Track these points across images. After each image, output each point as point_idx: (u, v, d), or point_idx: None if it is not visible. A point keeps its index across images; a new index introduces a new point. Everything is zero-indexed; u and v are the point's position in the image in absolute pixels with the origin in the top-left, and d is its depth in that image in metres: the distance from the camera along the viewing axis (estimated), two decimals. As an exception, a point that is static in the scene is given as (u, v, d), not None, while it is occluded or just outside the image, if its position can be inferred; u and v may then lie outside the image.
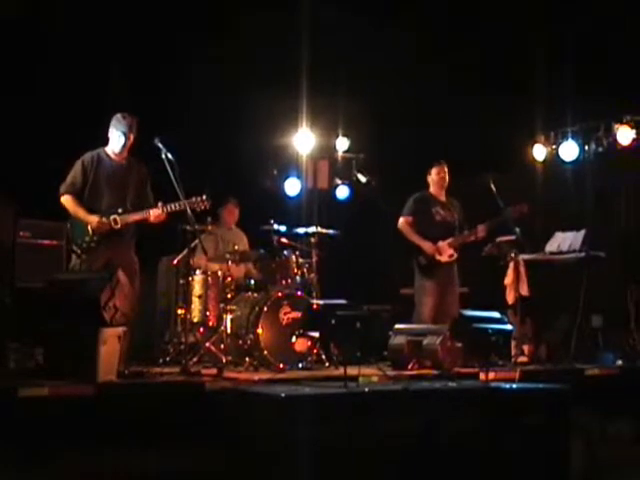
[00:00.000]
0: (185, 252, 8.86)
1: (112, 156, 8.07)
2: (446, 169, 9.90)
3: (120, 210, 7.92)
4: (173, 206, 8.01)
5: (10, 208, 8.62)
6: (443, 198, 9.92)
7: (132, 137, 8.02)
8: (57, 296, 7.22)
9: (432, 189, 9.97)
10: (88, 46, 9.63)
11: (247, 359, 8.66)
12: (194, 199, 8.17)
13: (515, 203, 9.61)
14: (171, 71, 10.24)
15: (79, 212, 7.87)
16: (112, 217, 7.88)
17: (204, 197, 8.24)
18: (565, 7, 10.37)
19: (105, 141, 8.08)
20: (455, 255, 9.62)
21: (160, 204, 7.99)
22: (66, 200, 7.92)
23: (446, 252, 9.58)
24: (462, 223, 9.82)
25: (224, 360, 8.56)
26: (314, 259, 9.76)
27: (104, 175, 7.98)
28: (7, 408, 6.14)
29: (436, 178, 9.90)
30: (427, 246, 9.60)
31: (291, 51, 10.40)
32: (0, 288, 7.65)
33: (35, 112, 9.44)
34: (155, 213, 7.97)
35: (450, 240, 9.60)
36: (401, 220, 9.89)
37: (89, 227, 7.83)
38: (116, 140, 8.01)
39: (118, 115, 8.03)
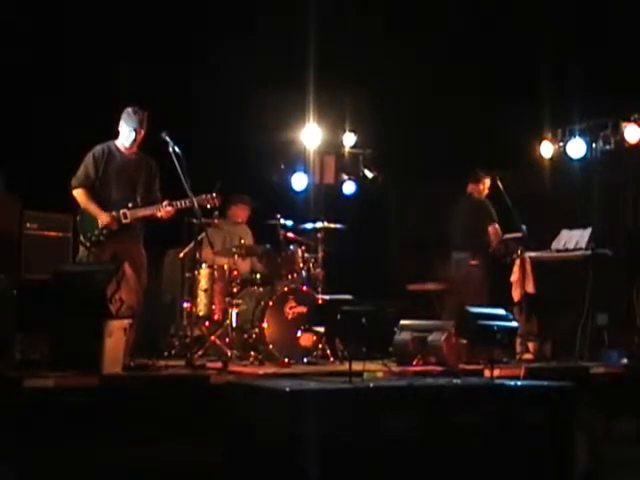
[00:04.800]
0: (191, 245, 8.88)
1: (122, 150, 8.08)
2: None
3: (130, 205, 7.95)
4: (183, 203, 8.02)
5: (17, 200, 8.64)
6: None
7: (143, 132, 8.04)
8: (63, 288, 7.23)
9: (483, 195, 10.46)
10: (97, 39, 9.66)
11: (252, 353, 8.67)
12: (204, 196, 8.20)
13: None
14: (179, 66, 10.24)
15: (90, 206, 7.90)
16: (122, 211, 7.90)
17: (214, 195, 8.26)
18: (572, 4, 10.36)
19: (113, 134, 8.08)
20: None
21: (166, 202, 8.00)
22: (78, 193, 7.94)
23: None
24: None
25: (229, 354, 8.58)
26: (320, 254, 9.76)
27: (114, 169, 8.00)
28: (13, 399, 6.15)
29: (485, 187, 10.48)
30: None
31: (299, 47, 10.40)
32: (6, 279, 7.64)
33: (42, 105, 9.46)
34: (165, 209, 7.98)
35: None
36: (493, 227, 10.30)
37: (99, 221, 7.85)
38: (127, 135, 8.03)
39: (129, 109, 8.04)
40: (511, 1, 10.52)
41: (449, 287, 10.67)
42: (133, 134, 8.01)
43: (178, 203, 8.02)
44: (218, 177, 8.45)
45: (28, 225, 8.94)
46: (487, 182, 10.51)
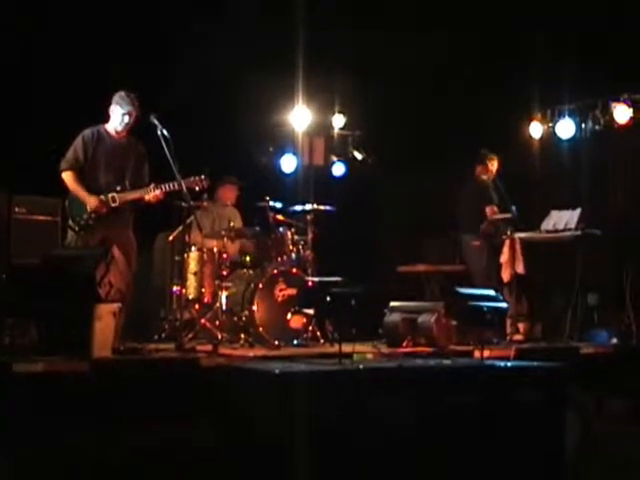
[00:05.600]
0: (180, 228, 8.86)
1: (112, 134, 8.05)
2: None
3: (119, 188, 7.93)
4: (171, 185, 8.00)
5: (5, 184, 8.59)
6: None
7: (134, 115, 8.00)
8: (52, 272, 7.22)
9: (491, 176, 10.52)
10: (83, 22, 9.59)
11: (242, 336, 8.68)
12: (192, 179, 8.18)
13: None
14: (167, 49, 10.19)
15: (79, 190, 7.87)
16: (110, 195, 7.88)
17: (202, 177, 8.25)
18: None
19: (103, 118, 8.05)
20: None
21: (153, 185, 7.98)
22: (67, 176, 7.91)
23: None
24: None
25: (219, 337, 8.58)
26: (309, 236, 9.77)
27: (103, 152, 7.97)
28: (1, 384, 6.14)
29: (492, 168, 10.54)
30: None
31: (287, 29, 10.35)
32: (-5, 264, 7.63)
33: (28, 88, 9.41)
34: (154, 193, 7.95)
35: None
36: (490, 208, 10.32)
37: (88, 205, 7.82)
38: (119, 118, 7.99)
39: (122, 93, 8.00)
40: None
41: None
42: (126, 117, 7.97)
43: (166, 186, 7.99)
44: (207, 159, 8.44)
45: (17, 209, 8.88)
46: (494, 162, 10.49)
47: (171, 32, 10.14)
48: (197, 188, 8.30)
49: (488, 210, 10.20)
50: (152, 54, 10.08)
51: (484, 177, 10.46)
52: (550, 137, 11.90)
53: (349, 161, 12.70)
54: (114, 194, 7.89)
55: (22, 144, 9.16)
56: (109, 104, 8.02)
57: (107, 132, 8.05)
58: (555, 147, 11.87)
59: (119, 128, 8.03)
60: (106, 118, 8.06)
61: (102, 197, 7.85)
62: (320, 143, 12.70)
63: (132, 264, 7.89)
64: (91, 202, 7.82)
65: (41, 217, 9.05)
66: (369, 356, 7.65)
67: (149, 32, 10.01)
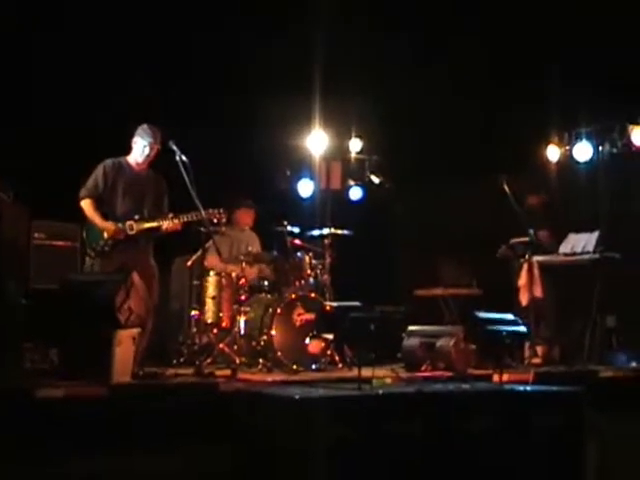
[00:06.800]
0: (199, 253, 8.88)
1: (133, 165, 8.14)
2: None
3: (137, 217, 7.98)
4: (189, 216, 8.05)
5: (25, 209, 8.65)
6: None
7: (156, 148, 8.07)
8: (72, 297, 7.25)
9: None
10: (102, 49, 9.66)
11: (260, 360, 8.68)
12: (211, 210, 8.22)
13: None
14: (185, 73, 10.26)
15: (95, 218, 7.93)
16: (128, 223, 7.94)
17: (221, 210, 8.30)
18: (578, 8, 10.36)
19: (124, 149, 8.11)
20: None
21: (172, 215, 8.04)
22: (85, 204, 7.98)
23: None
24: None
25: (237, 361, 8.59)
26: (327, 260, 9.77)
27: (123, 182, 8.05)
28: (23, 409, 6.17)
29: None
30: None
31: (305, 52, 10.41)
32: (15, 289, 7.66)
33: (50, 113, 9.48)
34: (172, 222, 8.01)
35: None
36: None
37: (104, 232, 7.87)
38: (140, 150, 8.08)
39: (145, 126, 8.10)
40: (518, 4, 10.50)
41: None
42: (147, 149, 8.06)
43: (184, 217, 8.05)
44: (224, 184, 8.48)
45: (36, 235, 8.95)
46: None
47: (188, 56, 10.21)
48: (215, 220, 8.33)
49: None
50: (169, 80, 10.15)
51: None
52: (567, 160, 11.88)
53: (366, 185, 12.70)
54: (131, 222, 7.95)
55: (43, 170, 9.22)
56: (130, 135, 8.10)
57: (128, 163, 8.14)
58: (572, 170, 11.84)
59: (139, 160, 8.11)
60: (129, 150, 8.13)
61: (119, 224, 7.91)
62: (337, 167, 12.70)
63: (153, 290, 7.94)
64: (108, 229, 7.88)
65: (60, 242, 9.10)
66: (388, 381, 7.65)
67: (166, 58, 10.07)
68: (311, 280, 9.41)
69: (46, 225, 9.06)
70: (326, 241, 9.87)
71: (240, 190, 10.18)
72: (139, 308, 7.31)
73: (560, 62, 10.87)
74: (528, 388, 7.14)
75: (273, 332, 8.71)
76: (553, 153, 11.98)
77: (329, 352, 8.94)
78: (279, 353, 8.64)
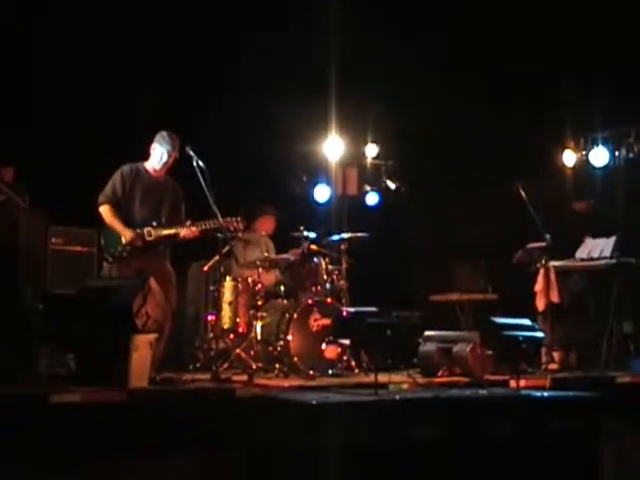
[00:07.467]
0: (216, 258, 8.90)
1: (151, 172, 8.17)
2: None
3: (154, 223, 8.01)
4: (207, 224, 8.07)
5: (41, 215, 8.68)
6: None
7: (175, 156, 8.10)
8: (89, 302, 7.26)
9: None
10: (118, 58, 9.71)
11: (277, 366, 8.67)
12: (229, 219, 8.22)
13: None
14: (202, 80, 10.29)
15: (115, 223, 7.96)
16: (146, 229, 7.96)
17: (239, 218, 8.30)
18: (595, 12, 10.34)
19: (141, 154, 8.15)
20: None
21: (190, 222, 8.06)
22: (104, 210, 8.01)
23: None
24: None
25: (254, 366, 8.59)
26: (344, 266, 9.75)
27: (140, 188, 8.08)
28: (39, 414, 6.18)
29: None
30: None
31: (321, 58, 10.42)
32: (32, 294, 7.69)
33: (67, 119, 9.52)
34: (190, 230, 8.03)
35: None
36: None
37: (123, 237, 7.90)
38: (159, 156, 8.11)
39: (164, 132, 8.12)
40: (535, 9, 10.49)
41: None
42: (166, 156, 8.09)
43: (202, 224, 8.07)
44: (240, 189, 8.48)
45: (53, 240, 8.99)
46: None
47: (205, 63, 10.24)
48: (232, 228, 8.34)
49: None
50: (186, 86, 10.17)
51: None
52: (584, 165, 11.87)
53: (382, 191, 12.71)
54: (150, 228, 7.98)
55: (59, 176, 9.26)
56: (149, 141, 8.13)
57: (145, 169, 8.17)
58: (589, 175, 11.83)
59: (157, 166, 8.14)
60: (147, 156, 8.16)
61: (138, 230, 7.94)
62: (353, 173, 12.72)
63: (171, 296, 7.96)
64: (127, 234, 7.92)
65: (77, 248, 9.15)
66: (405, 386, 7.63)
67: (183, 65, 10.11)
68: (327, 285, 9.41)
69: (63, 230, 9.10)
70: (342, 246, 9.85)
71: (256, 196, 10.19)
72: (156, 313, 7.32)
73: (576, 67, 10.85)
74: (545, 394, 7.12)
75: (289, 337, 8.71)
76: (569, 158, 11.97)
77: (345, 357, 8.92)
78: (295, 358, 8.64)
